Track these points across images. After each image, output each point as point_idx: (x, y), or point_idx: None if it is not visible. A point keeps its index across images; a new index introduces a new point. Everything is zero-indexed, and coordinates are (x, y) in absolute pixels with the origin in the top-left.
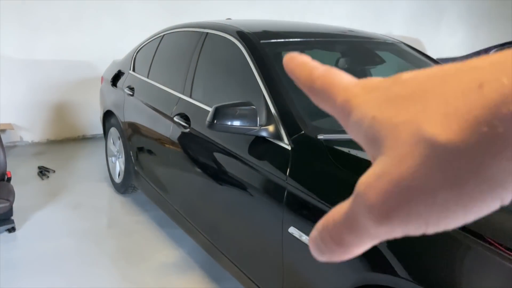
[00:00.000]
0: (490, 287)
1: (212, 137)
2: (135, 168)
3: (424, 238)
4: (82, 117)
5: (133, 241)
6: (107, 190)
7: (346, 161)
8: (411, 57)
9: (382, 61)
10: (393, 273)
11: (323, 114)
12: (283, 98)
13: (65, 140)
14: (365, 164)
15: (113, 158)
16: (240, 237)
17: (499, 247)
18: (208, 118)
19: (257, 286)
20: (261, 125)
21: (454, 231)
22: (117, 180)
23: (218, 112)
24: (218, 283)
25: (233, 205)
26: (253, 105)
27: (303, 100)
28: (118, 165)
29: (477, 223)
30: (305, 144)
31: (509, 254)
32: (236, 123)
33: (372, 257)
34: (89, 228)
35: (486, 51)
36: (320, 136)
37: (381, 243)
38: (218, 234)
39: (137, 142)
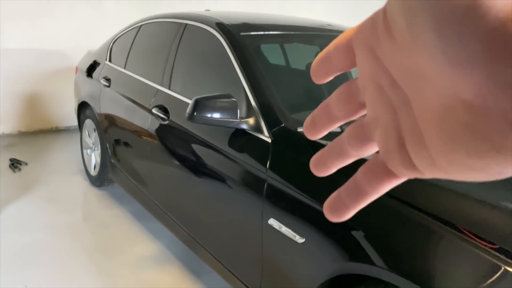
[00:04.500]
0: (462, 275)
1: (191, 130)
2: (112, 160)
3: (400, 228)
4: (55, 108)
5: (109, 235)
6: (82, 183)
7: None
8: None
9: None
10: (370, 262)
11: (303, 107)
12: (263, 90)
13: (38, 132)
14: None
15: (89, 151)
16: (219, 229)
17: (472, 236)
18: (188, 110)
19: (237, 278)
20: (241, 118)
21: (429, 221)
22: (93, 173)
23: (198, 104)
24: (197, 275)
25: (212, 197)
26: (233, 98)
27: (284, 93)
28: (94, 158)
29: (450, 213)
30: (285, 137)
31: (482, 244)
32: (216, 115)
33: (350, 247)
34: (64, 221)
35: None
36: (300, 129)
37: (358, 233)
38: (197, 226)
39: (114, 134)
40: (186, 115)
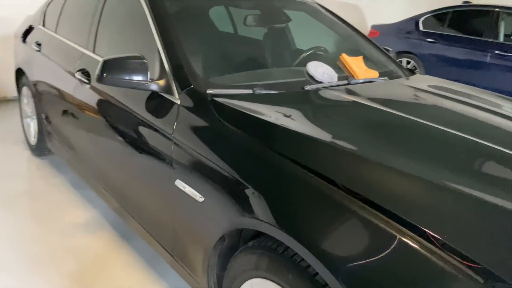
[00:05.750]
0: (350, 236)
1: (110, 93)
2: (47, 129)
3: (288, 186)
4: (1, 78)
5: (44, 203)
6: (24, 153)
7: (231, 116)
8: (324, 18)
9: (288, 20)
10: (258, 218)
11: (225, 70)
12: (177, 52)
13: None
14: (250, 120)
15: (28, 120)
16: (138, 194)
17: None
18: (97, 71)
19: (156, 241)
20: (151, 79)
21: (317, 180)
22: (32, 142)
23: (107, 65)
24: (127, 241)
25: (130, 162)
26: (144, 59)
27: (202, 55)
28: (33, 127)
29: (337, 172)
30: (193, 98)
31: (368, 207)
32: (126, 76)
33: (241, 204)
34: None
35: (417, 18)
36: (209, 91)
37: (249, 191)
38: (121, 193)
39: (46, 102)
40: (95, 76)
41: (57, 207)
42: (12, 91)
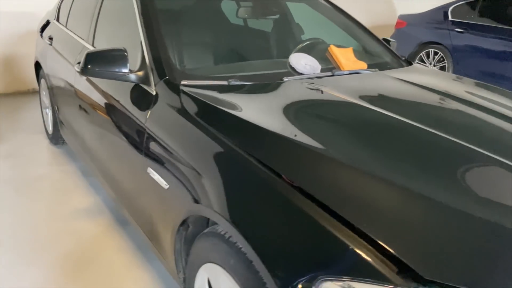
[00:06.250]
0: (285, 228)
1: (100, 85)
2: (59, 118)
3: (238, 177)
4: (31, 69)
5: (54, 188)
6: (43, 142)
7: (195, 107)
8: (326, 10)
9: (280, 11)
10: (210, 207)
11: (204, 62)
12: (158, 45)
13: (15, 94)
14: (210, 110)
15: (47, 110)
16: (122, 181)
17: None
18: (81, 64)
19: (140, 228)
20: (131, 70)
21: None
22: (50, 131)
23: (89, 58)
24: (122, 226)
25: (116, 150)
26: (125, 51)
27: (185, 48)
28: (50, 117)
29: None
30: (166, 89)
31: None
32: (107, 68)
33: (197, 192)
34: (12, 176)
35: (446, 7)
36: (184, 82)
37: (204, 180)
38: (112, 179)
39: (57, 93)
40: (79, 69)
41: (65, 193)
42: None
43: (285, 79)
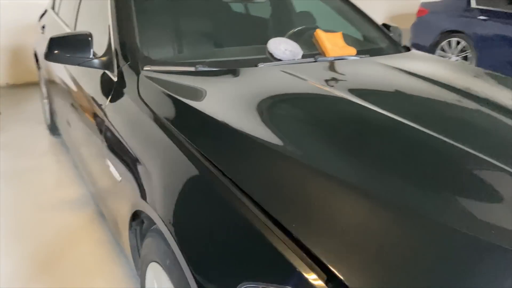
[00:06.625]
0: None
1: (72, 72)
2: (52, 108)
3: (178, 171)
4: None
5: (43, 178)
6: (43, 132)
7: (150, 96)
8: (337, 5)
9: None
10: (150, 203)
11: (177, 48)
12: (124, 30)
13: (25, 84)
14: (174, 106)
15: (45, 100)
16: (91, 173)
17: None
18: (45, 49)
19: (106, 218)
20: (95, 56)
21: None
22: (48, 121)
23: (53, 43)
24: (104, 218)
25: (84, 140)
26: (90, 36)
27: (155, 33)
28: (47, 107)
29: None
30: (126, 76)
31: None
32: (71, 53)
33: (142, 187)
34: (5, 166)
35: None
36: (147, 68)
37: (150, 175)
38: (86, 172)
39: (48, 82)
40: (44, 55)
41: (54, 183)
42: None
43: (260, 65)
